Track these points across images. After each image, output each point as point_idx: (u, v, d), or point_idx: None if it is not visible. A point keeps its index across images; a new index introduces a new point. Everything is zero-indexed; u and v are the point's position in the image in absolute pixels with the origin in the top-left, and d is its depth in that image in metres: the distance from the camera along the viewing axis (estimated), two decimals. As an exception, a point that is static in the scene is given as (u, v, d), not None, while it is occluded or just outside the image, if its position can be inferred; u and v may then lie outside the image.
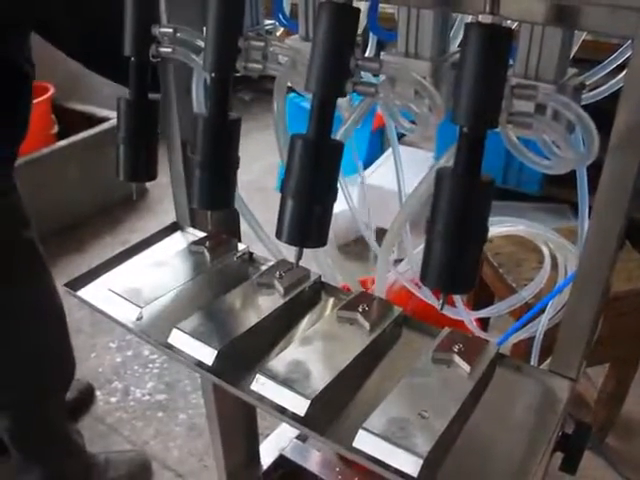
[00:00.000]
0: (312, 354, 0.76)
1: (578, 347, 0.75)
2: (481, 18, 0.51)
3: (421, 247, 0.62)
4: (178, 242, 1.01)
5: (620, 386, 1.64)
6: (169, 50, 0.79)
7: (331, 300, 0.88)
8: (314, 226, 0.62)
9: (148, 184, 2.87)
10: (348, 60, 0.57)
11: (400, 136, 2.74)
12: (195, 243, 0.96)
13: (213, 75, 0.71)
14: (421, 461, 0.62)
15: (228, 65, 0.72)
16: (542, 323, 1.09)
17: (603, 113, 0.69)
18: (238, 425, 1.39)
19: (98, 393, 2.02)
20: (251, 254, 0.98)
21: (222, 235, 0.99)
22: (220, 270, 0.94)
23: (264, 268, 0.91)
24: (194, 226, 1.04)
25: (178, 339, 0.79)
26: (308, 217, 0.62)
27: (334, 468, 1.62)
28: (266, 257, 0.97)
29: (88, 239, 2.69)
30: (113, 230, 2.79)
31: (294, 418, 0.68)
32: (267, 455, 1.54)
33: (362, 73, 0.67)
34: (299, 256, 0.66)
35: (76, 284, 0.94)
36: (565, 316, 0.75)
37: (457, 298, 1.14)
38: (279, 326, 0.82)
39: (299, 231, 0.63)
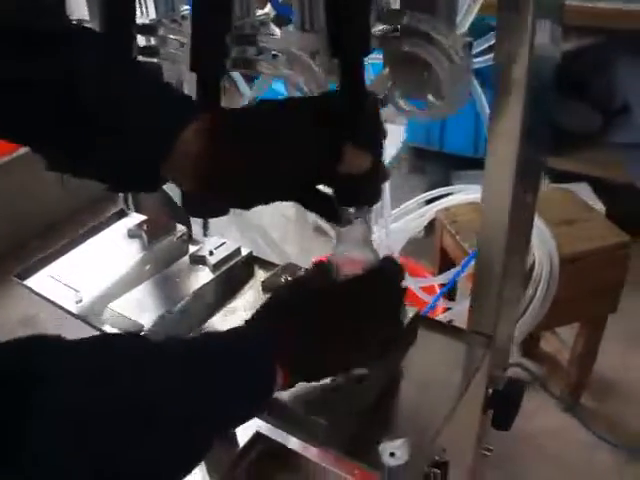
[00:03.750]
0: (234, 324, 0.79)
1: (491, 304, 0.78)
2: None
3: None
4: (122, 228, 1.04)
5: (589, 345, 1.65)
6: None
7: (262, 273, 0.91)
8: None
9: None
10: (224, 39, 0.59)
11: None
12: (133, 227, 0.99)
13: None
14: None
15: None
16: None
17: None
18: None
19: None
20: (190, 235, 1.00)
21: (161, 218, 1.02)
22: (157, 251, 0.96)
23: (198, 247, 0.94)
24: (139, 212, 1.08)
25: (110, 318, 0.83)
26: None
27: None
28: (203, 238, 1.00)
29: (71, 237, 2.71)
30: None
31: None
32: (243, 433, 1.57)
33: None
34: (205, 227, 0.69)
35: (24, 274, 0.97)
36: (475, 276, 0.78)
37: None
38: (209, 300, 0.85)
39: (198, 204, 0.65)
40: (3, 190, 2.48)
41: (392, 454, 0.64)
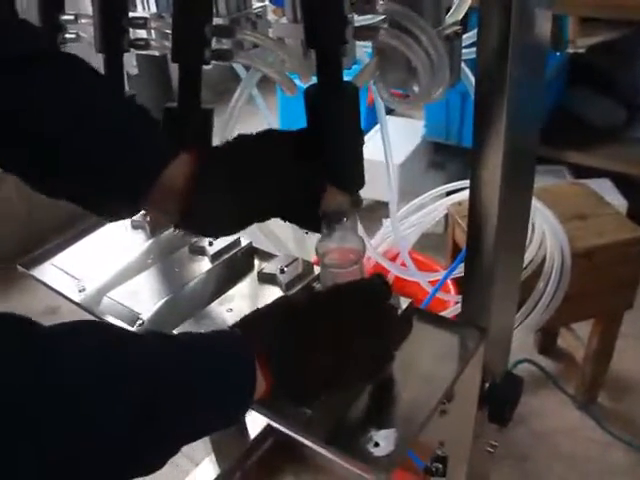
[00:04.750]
0: (228, 312, 0.80)
1: (482, 297, 0.77)
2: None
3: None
4: (126, 219, 1.05)
5: (605, 342, 1.62)
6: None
7: (262, 264, 0.92)
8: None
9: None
10: (203, 30, 0.60)
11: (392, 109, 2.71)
12: (137, 218, 1.01)
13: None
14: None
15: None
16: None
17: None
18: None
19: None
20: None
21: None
22: (160, 242, 0.98)
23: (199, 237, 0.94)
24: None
25: (109, 307, 0.84)
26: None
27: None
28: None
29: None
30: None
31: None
32: (255, 424, 1.58)
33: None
34: None
35: (29, 263, 1.00)
36: (465, 269, 0.77)
37: (407, 260, 1.16)
38: (206, 289, 0.86)
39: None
40: (22, 185, 2.53)
41: (377, 444, 0.65)
